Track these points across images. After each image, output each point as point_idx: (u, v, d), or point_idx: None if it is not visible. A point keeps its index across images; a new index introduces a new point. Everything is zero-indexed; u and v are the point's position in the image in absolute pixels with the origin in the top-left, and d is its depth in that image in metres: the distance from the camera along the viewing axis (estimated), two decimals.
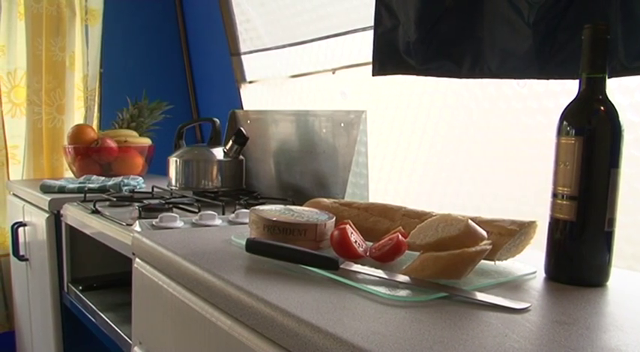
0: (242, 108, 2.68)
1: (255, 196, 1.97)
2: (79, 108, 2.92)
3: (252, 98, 2.68)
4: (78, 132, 2.62)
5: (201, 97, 3.16)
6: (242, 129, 2.05)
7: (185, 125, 2.22)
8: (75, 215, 1.90)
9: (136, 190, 2.25)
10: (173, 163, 2.09)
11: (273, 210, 1.24)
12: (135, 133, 2.73)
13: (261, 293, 0.91)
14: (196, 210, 1.72)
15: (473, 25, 1.43)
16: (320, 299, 0.89)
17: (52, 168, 2.85)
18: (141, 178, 2.44)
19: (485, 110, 1.61)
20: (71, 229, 1.99)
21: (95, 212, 1.81)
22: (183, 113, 3.16)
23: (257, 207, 1.27)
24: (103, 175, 2.57)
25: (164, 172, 2.32)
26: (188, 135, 2.63)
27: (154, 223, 1.48)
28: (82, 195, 2.12)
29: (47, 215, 2.10)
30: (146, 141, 2.73)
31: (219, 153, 2.04)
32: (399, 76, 1.60)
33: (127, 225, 1.55)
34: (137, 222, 1.51)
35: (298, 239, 1.16)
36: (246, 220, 1.53)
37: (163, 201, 1.84)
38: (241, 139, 2.01)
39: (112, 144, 2.59)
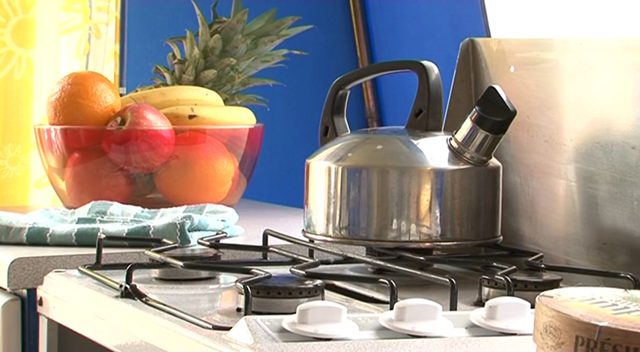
0: (489, 34, 1.75)
1: (535, 264, 1.34)
2: (68, 31, 1.73)
3: (513, 12, 1.79)
4: (77, 91, 1.55)
5: (379, 14, 1.90)
6: (496, 87, 1.37)
7: (348, 81, 1.42)
8: (73, 300, 1.28)
9: (222, 241, 1.42)
10: (321, 175, 1.39)
11: (595, 301, 0.81)
12: (214, 96, 1.64)
13: None
14: (386, 299, 1.17)
15: None
16: None
17: (7, 182, 1.76)
18: (231, 211, 1.52)
19: None
20: (62, 332, 1.35)
21: (129, 296, 1.18)
22: (335, 52, 1.88)
23: (550, 291, 0.83)
24: (135, 203, 1.60)
25: (290, 198, 1.67)
26: (353, 106, 1.65)
27: (284, 326, 0.90)
28: (91, 250, 1.37)
29: (4, 300, 1.41)
30: (244, 118, 1.65)
31: (436, 150, 1.39)
32: None
33: (215, 328, 1.00)
34: (240, 322, 0.94)
35: None
36: (513, 324, 1.01)
37: (298, 270, 1.22)
38: (498, 115, 1.41)
39: (158, 122, 1.56)
